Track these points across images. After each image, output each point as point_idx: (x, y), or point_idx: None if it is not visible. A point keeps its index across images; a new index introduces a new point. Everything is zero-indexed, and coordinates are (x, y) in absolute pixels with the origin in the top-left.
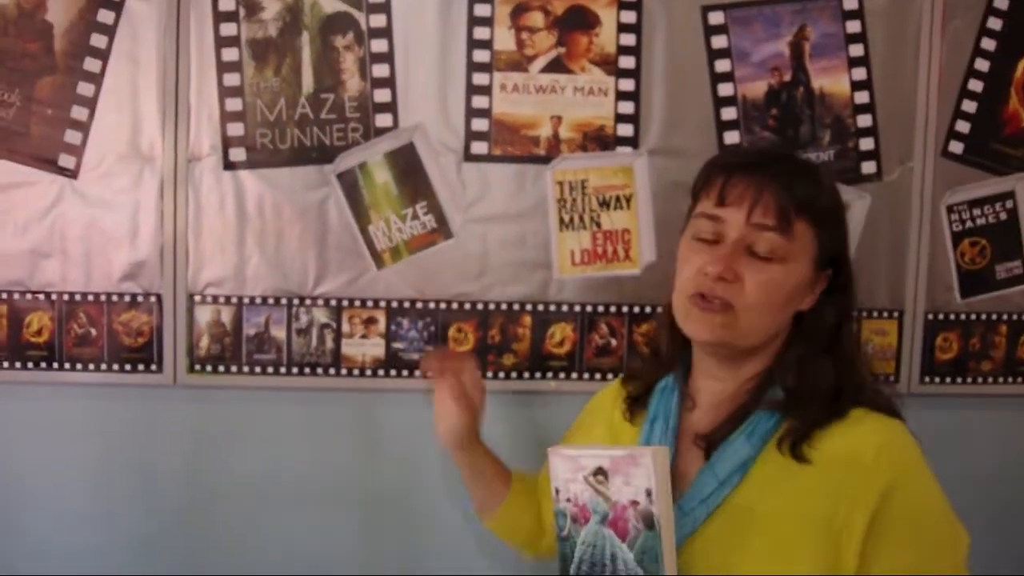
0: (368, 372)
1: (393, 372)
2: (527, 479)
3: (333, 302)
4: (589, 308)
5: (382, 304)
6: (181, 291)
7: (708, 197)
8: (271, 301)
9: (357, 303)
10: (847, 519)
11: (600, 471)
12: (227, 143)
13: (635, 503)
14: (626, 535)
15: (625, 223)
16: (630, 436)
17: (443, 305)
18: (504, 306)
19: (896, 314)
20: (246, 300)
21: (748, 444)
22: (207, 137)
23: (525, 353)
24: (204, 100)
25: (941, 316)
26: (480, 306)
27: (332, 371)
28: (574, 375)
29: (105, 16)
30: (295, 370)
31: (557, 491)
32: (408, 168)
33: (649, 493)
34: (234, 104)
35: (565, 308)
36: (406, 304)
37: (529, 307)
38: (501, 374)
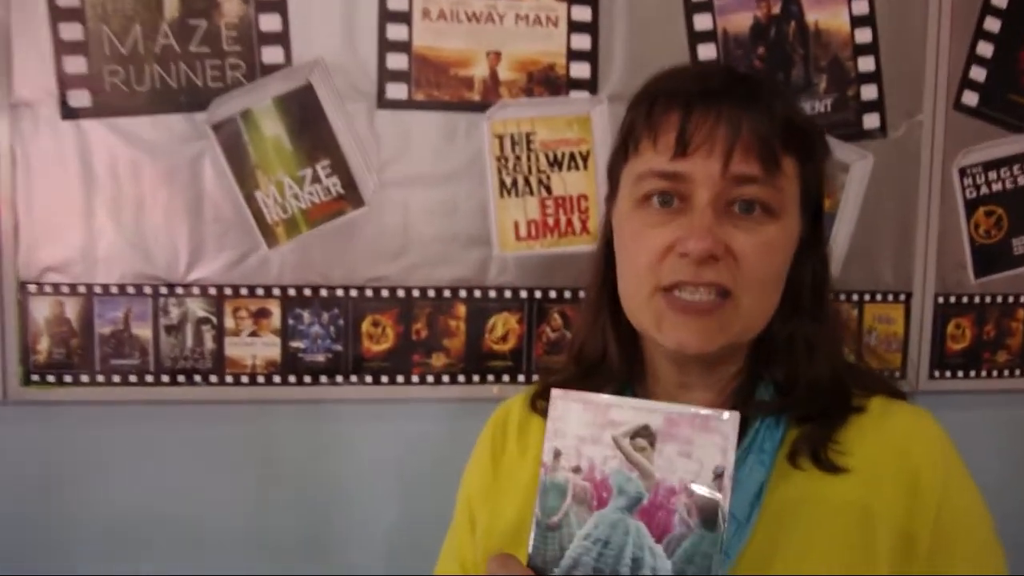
0: (260, 379)
1: (292, 379)
2: None
3: (212, 290)
4: (538, 294)
5: (276, 292)
6: (10, 279)
7: (655, 146)
8: (131, 290)
9: (243, 291)
10: (909, 536)
11: (644, 432)
12: (65, 84)
13: (689, 487)
14: (666, 533)
15: (581, 187)
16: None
17: (354, 292)
18: (432, 293)
19: (903, 297)
20: (97, 289)
21: (762, 466)
22: (38, 76)
23: (459, 351)
24: (30, 28)
25: (952, 299)
26: (401, 293)
27: (213, 379)
28: (521, 377)
29: None
30: (165, 379)
31: (557, 453)
32: (305, 117)
33: (720, 475)
34: (72, 31)
35: (508, 294)
36: (307, 292)
37: (463, 293)
38: (430, 378)
